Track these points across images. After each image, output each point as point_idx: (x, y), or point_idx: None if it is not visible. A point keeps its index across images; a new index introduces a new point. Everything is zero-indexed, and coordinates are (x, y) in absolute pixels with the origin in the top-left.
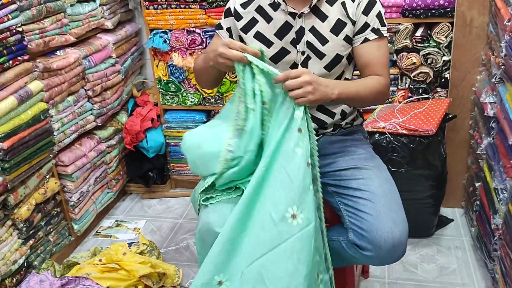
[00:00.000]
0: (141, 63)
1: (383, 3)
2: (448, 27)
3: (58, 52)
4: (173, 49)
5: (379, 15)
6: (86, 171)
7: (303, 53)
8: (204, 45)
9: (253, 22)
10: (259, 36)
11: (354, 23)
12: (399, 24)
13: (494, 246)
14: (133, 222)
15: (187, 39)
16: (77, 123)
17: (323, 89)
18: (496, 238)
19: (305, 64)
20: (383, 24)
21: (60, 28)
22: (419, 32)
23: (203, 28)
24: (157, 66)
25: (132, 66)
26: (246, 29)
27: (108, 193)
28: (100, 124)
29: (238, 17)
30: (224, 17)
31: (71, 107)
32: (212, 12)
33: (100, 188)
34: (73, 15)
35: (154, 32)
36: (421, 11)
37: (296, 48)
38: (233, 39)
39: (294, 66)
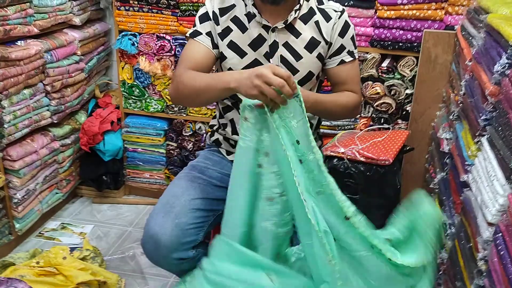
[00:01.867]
0: (107, 64)
1: None
2: (413, 61)
3: (19, 42)
4: (141, 53)
5: (353, 38)
6: (35, 168)
7: None
8: (173, 52)
9: (228, 30)
10: (232, 45)
11: (327, 42)
12: (367, 53)
13: (438, 281)
14: (80, 226)
15: (156, 44)
16: (31, 117)
17: None
18: (440, 272)
19: None
20: (355, 47)
21: (24, 18)
22: (385, 63)
23: (173, 35)
24: (122, 68)
25: (97, 66)
26: (222, 35)
27: (57, 193)
28: (56, 121)
29: (217, 21)
30: (201, 23)
31: (27, 100)
32: (184, 20)
33: (48, 188)
34: (39, 6)
35: (123, 33)
36: (389, 42)
37: (269, 61)
38: (212, 45)
39: None
